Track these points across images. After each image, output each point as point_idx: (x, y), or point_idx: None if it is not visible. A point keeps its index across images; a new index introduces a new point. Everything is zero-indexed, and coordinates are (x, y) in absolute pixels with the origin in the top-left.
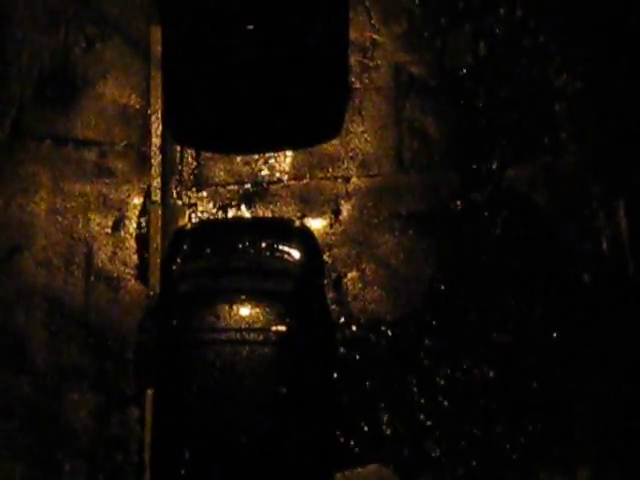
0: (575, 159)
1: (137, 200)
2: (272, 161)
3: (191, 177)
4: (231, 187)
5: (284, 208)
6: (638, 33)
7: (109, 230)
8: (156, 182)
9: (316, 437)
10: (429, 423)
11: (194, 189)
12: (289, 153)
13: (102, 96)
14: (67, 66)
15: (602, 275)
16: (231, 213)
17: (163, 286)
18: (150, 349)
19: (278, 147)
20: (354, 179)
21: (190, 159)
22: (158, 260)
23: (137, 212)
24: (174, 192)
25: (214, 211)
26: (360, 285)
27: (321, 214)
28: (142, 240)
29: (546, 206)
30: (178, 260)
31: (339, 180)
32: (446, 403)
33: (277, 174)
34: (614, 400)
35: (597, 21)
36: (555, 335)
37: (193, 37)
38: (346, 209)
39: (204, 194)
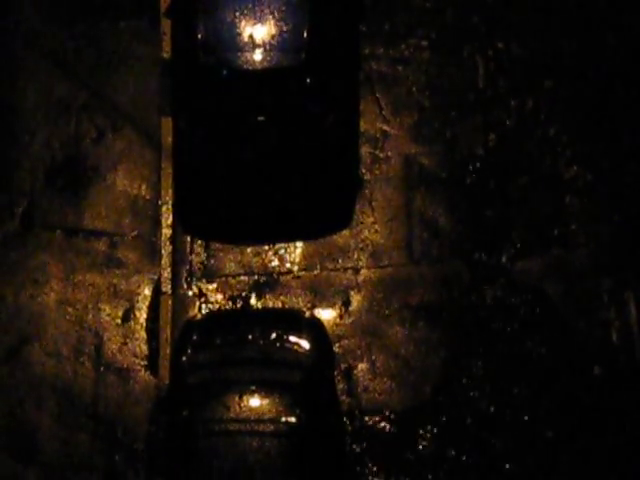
0: (585, 251)
1: (147, 291)
2: (282, 252)
3: (201, 268)
4: (241, 278)
5: (294, 299)
6: None
7: (119, 321)
8: (166, 273)
9: None
10: None
11: (204, 280)
12: (299, 244)
13: (113, 187)
14: (78, 156)
15: (612, 367)
16: (241, 304)
17: (173, 377)
18: (160, 440)
19: (288, 238)
20: (364, 270)
21: (200, 250)
22: (168, 351)
23: (147, 303)
24: (184, 283)
25: (224, 302)
26: (370, 376)
27: (331, 305)
28: (152, 331)
29: (557, 298)
30: (188, 351)
31: (349, 271)
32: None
33: (287, 265)
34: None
35: (608, 113)
36: (565, 427)
37: (204, 128)
38: (356, 300)
39: (214, 285)
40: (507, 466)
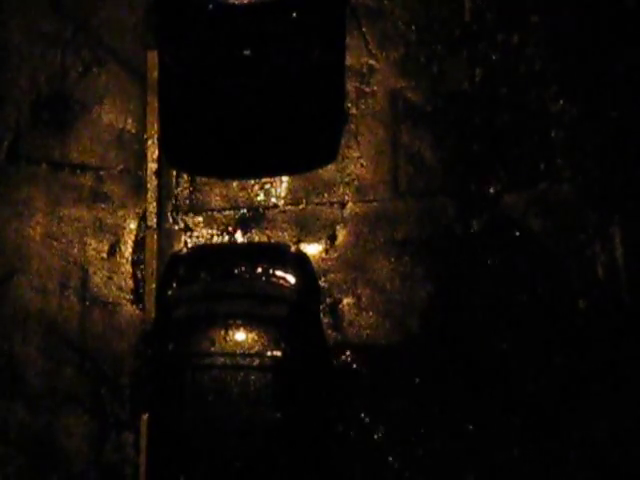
0: (571, 186)
1: (133, 225)
2: (268, 186)
3: (187, 202)
4: (227, 212)
5: (280, 233)
6: (634, 61)
7: (105, 255)
8: (152, 207)
9: (310, 462)
10: (425, 449)
11: (190, 214)
12: (285, 178)
13: (98, 121)
14: (63, 91)
15: (597, 301)
16: (227, 238)
17: (158, 311)
18: (145, 374)
19: (274, 172)
20: (350, 204)
21: (186, 184)
22: (153, 285)
23: (133, 237)
24: (170, 217)
25: (210, 236)
26: (356, 310)
27: (317, 239)
28: (137, 265)
29: (542, 232)
30: (174, 285)
31: (335, 205)
32: (441, 430)
33: (273, 199)
34: (608, 429)
35: (594, 48)
36: (549, 360)
37: (190, 62)
38: (342, 234)
39: (200, 219)
40: (493, 397)
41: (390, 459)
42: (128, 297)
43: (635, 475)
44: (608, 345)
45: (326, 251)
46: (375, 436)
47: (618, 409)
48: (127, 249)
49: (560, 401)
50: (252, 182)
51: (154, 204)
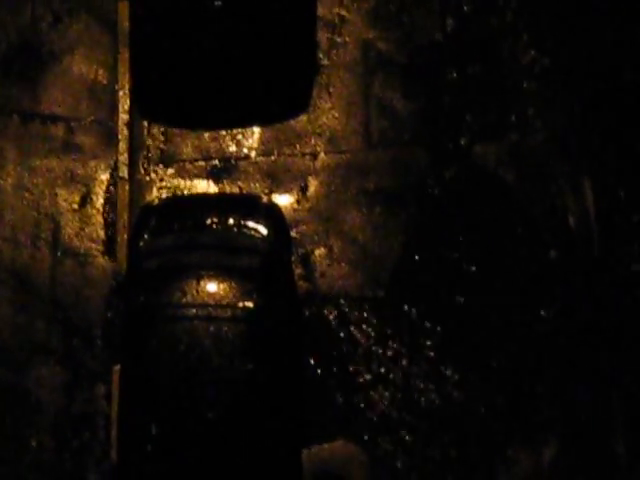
0: (542, 137)
1: (104, 176)
2: (240, 137)
3: (158, 153)
4: (198, 163)
5: (252, 184)
6: (606, 11)
7: (76, 206)
8: (123, 158)
9: (283, 413)
10: (397, 398)
11: (161, 165)
12: (257, 129)
13: (69, 72)
14: (34, 41)
15: (568, 251)
16: (198, 189)
17: (130, 262)
18: (117, 325)
19: (246, 123)
20: (322, 156)
21: (157, 135)
22: (125, 236)
23: (104, 188)
24: (141, 168)
25: (181, 187)
26: (327, 262)
27: (288, 190)
28: (109, 216)
29: (514, 183)
30: (145, 236)
31: (307, 157)
32: (414, 378)
33: (245, 150)
34: (578, 378)
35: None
36: (520, 311)
37: (161, 13)
38: (313, 185)
39: (171, 170)
40: (463, 347)
41: (362, 406)
42: (99, 248)
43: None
44: (579, 295)
45: (298, 202)
46: (347, 385)
47: (587, 358)
48: (98, 200)
49: (533, 349)
50: (224, 133)
51: (125, 155)
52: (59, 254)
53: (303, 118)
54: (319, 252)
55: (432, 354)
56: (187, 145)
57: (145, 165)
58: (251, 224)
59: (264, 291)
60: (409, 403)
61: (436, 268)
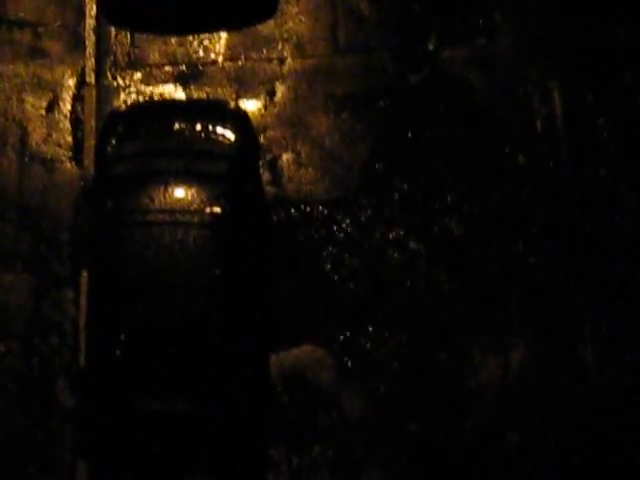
0: (510, 41)
1: (71, 81)
2: (207, 42)
3: (125, 58)
4: (165, 68)
5: (219, 90)
6: None
7: (43, 112)
8: (90, 63)
9: (250, 319)
10: (365, 301)
11: (128, 70)
12: (223, 34)
13: None
14: None
15: (537, 156)
16: (166, 95)
17: (97, 168)
18: (85, 231)
19: (213, 28)
20: (289, 60)
21: (124, 40)
22: (92, 142)
23: (71, 93)
24: (108, 73)
25: (148, 93)
26: (295, 167)
27: (256, 96)
28: (76, 122)
29: (481, 87)
30: (112, 142)
31: (274, 61)
32: (383, 279)
33: (212, 55)
34: (545, 281)
35: None
36: (488, 214)
37: None
38: (281, 90)
39: (138, 75)
40: (433, 249)
41: (332, 309)
42: (67, 154)
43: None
44: (548, 201)
45: (265, 107)
46: (316, 288)
47: (556, 264)
48: (66, 106)
49: (496, 257)
50: (191, 38)
51: (92, 60)
52: (26, 160)
53: (270, 23)
54: (287, 157)
55: (401, 255)
56: (154, 50)
57: (112, 71)
58: (218, 129)
59: (232, 197)
60: (377, 305)
61: (404, 172)
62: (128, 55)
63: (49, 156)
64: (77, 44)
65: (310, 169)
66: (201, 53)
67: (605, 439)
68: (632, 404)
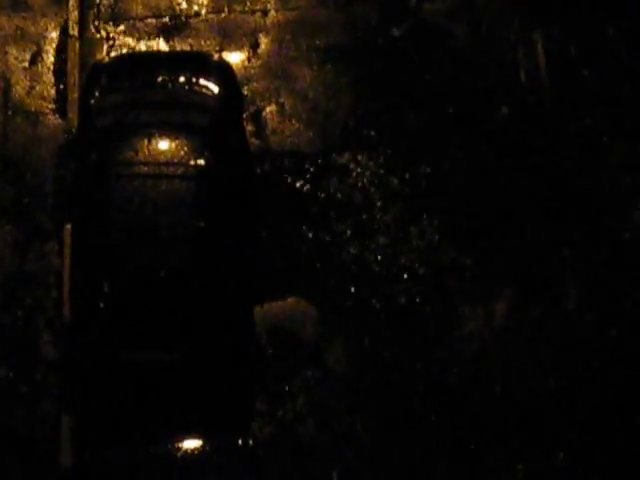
0: None
1: (54, 34)
2: None
3: (108, 10)
4: (149, 21)
5: (202, 42)
6: None
7: (26, 64)
8: (73, 16)
9: (235, 270)
10: (350, 253)
11: (111, 22)
12: None
13: None
14: None
15: (520, 106)
16: (149, 47)
17: (81, 120)
18: (68, 183)
19: None
20: (272, 12)
21: None
22: (76, 94)
23: (55, 46)
24: (92, 26)
25: (132, 45)
26: (279, 118)
27: (239, 47)
28: (60, 74)
29: (464, 39)
30: (96, 94)
31: (257, 13)
32: (366, 232)
33: (195, 7)
34: (529, 237)
35: None
36: (472, 165)
37: None
38: (264, 43)
39: (122, 28)
40: (414, 202)
41: (315, 262)
42: (50, 106)
43: None
44: (532, 152)
45: (249, 59)
46: (300, 242)
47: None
48: (49, 58)
49: (482, 213)
50: None
51: (76, 13)
52: (10, 112)
53: None
54: (270, 109)
55: (386, 206)
56: (137, 3)
57: (95, 23)
58: (202, 82)
59: (216, 148)
60: (362, 259)
61: (386, 122)
62: (111, 7)
63: (32, 109)
64: None
65: (294, 121)
66: (184, 5)
67: (588, 386)
68: (614, 352)
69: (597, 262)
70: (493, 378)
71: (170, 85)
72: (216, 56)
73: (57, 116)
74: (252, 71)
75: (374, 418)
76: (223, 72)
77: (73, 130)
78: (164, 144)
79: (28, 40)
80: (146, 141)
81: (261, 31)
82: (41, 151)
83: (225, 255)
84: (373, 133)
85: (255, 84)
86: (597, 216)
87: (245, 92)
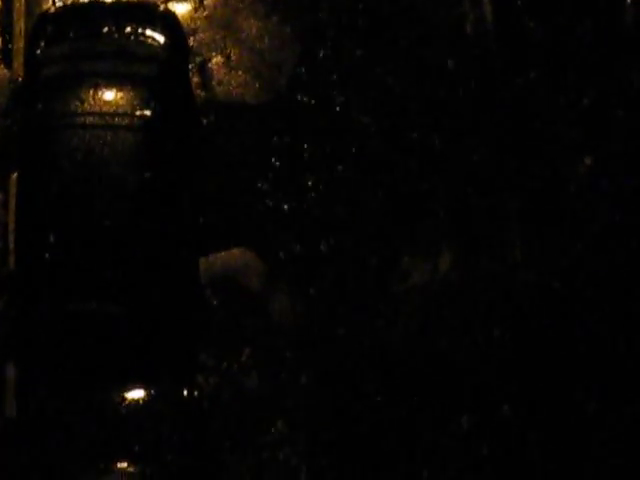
0: None
1: None
2: None
3: None
4: None
5: None
6: None
7: None
8: None
9: (180, 222)
10: (295, 208)
11: None
12: None
13: None
14: None
15: (466, 60)
16: None
17: (27, 70)
18: (14, 133)
19: None
20: None
21: None
22: (22, 44)
23: None
24: None
25: None
26: (225, 70)
27: None
28: (5, 24)
29: None
30: (42, 44)
31: None
32: (310, 182)
33: None
34: (474, 185)
35: None
36: (418, 119)
37: None
38: None
39: None
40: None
41: (260, 212)
42: None
43: None
44: (479, 105)
45: (195, 10)
46: (244, 193)
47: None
48: None
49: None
50: None
51: None
52: None
53: None
54: (216, 60)
55: (329, 159)
56: None
57: None
58: (148, 32)
59: (161, 99)
60: (303, 212)
61: (333, 72)
62: None
63: None
64: None
65: (240, 72)
66: None
67: (533, 338)
68: (559, 304)
69: (542, 214)
70: (438, 331)
71: (116, 35)
72: (162, 6)
73: (2, 66)
74: (198, 22)
75: (318, 370)
76: (169, 22)
77: (19, 80)
78: (109, 94)
79: None
80: (92, 91)
81: None
82: None
83: (170, 206)
84: (319, 84)
85: (201, 35)
86: (542, 169)
87: (191, 43)
